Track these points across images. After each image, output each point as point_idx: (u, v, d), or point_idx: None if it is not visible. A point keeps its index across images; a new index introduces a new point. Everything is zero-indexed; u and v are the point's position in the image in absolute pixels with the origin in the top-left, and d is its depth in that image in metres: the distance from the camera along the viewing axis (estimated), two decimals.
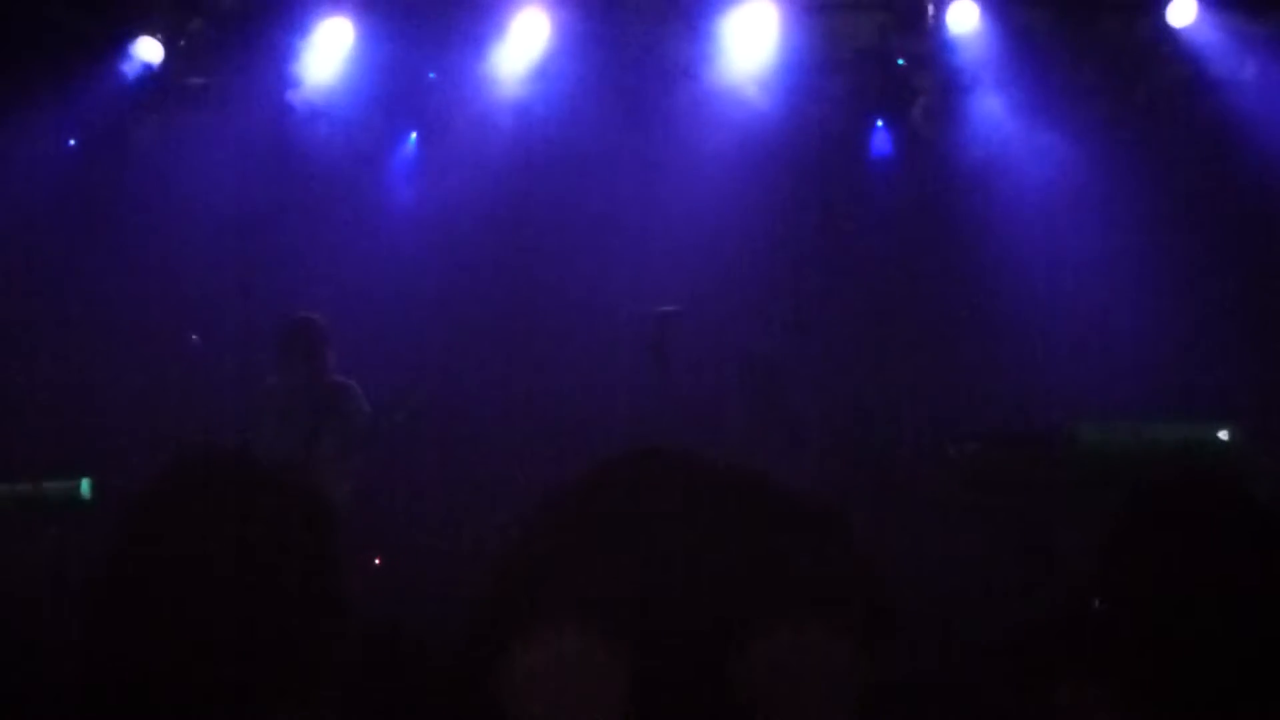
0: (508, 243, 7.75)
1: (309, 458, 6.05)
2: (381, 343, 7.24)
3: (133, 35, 7.36)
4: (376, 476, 6.37)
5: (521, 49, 7.54)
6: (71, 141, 7.66)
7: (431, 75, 7.68)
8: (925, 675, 5.41)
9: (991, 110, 7.41)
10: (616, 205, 7.58)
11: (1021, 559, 5.63)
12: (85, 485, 6.28)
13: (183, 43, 7.45)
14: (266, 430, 6.08)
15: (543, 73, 7.52)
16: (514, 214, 7.70)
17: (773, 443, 6.63)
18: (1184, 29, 7.20)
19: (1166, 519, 2.10)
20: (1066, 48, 7.31)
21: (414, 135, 7.90)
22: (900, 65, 7.50)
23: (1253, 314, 7.32)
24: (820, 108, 7.60)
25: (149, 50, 7.41)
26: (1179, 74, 7.30)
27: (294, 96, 7.61)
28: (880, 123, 7.71)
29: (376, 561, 6.18)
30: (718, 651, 1.45)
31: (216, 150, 7.55)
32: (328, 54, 7.53)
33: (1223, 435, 6.15)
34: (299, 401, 6.15)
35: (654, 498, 1.48)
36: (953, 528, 6.61)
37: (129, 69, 7.43)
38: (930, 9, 7.32)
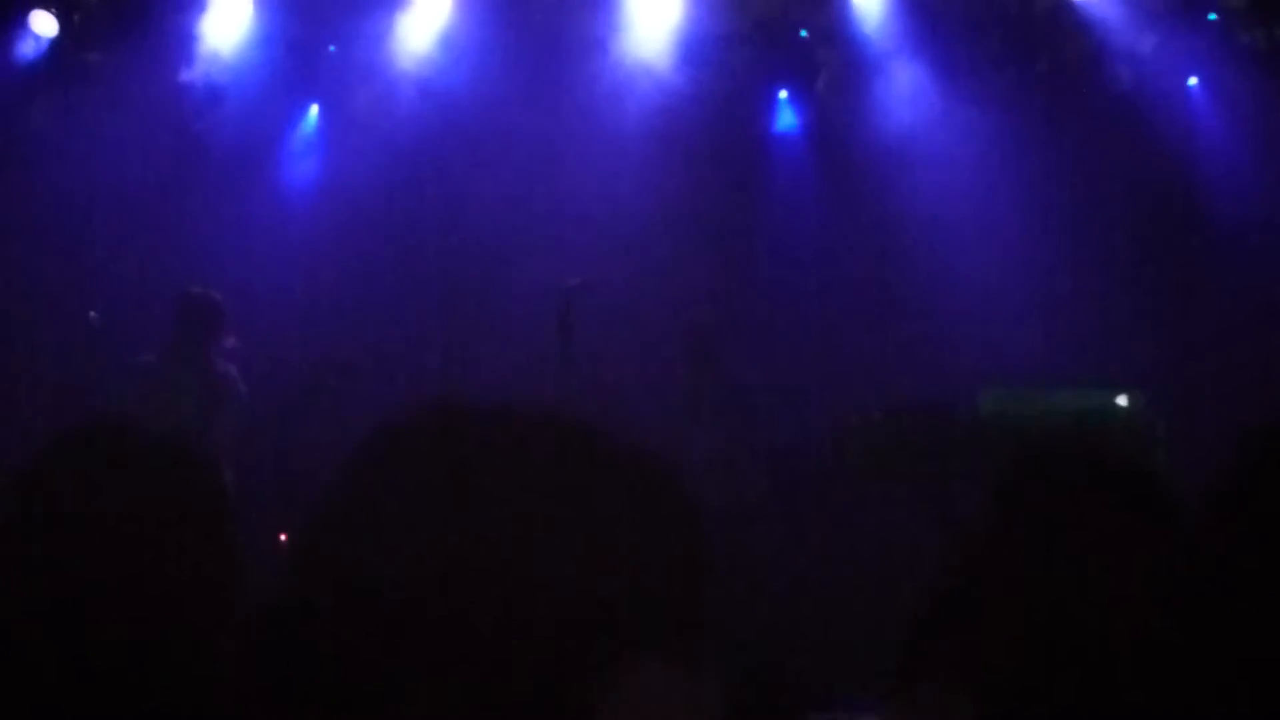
0: (412, 220, 7.68)
1: (200, 443, 5.93)
2: (283, 324, 7.16)
3: (26, 8, 7.23)
4: (277, 467, 6.32)
5: (425, 19, 7.47)
6: None
7: (332, 48, 7.60)
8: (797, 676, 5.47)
9: (896, 83, 7.41)
10: (523, 180, 7.52)
11: (923, 531, 5.63)
12: None
13: (77, 17, 7.31)
14: (142, 410, 5.82)
15: (448, 44, 7.45)
16: (418, 190, 7.63)
17: (718, 415, 6.60)
18: (1083, 1, 7.26)
19: (1037, 498, 2.05)
20: (969, 20, 7.33)
21: (315, 110, 7.79)
22: (803, 38, 7.50)
23: (1158, 281, 7.39)
24: (724, 81, 7.58)
25: (43, 24, 7.28)
26: (1081, 46, 7.34)
27: (192, 73, 7.49)
28: (784, 95, 7.70)
29: (282, 538, 6.11)
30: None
31: (114, 129, 7.42)
32: (226, 28, 7.43)
33: (1121, 401, 6.18)
34: (186, 384, 5.96)
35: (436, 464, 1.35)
36: (858, 503, 6.64)
37: (22, 44, 7.30)
38: None
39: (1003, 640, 1.86)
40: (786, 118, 7.70)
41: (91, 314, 6.62)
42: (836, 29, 7.43)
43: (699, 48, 7.45)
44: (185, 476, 1.79)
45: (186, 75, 7.47)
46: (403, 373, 7.33)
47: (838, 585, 6.45)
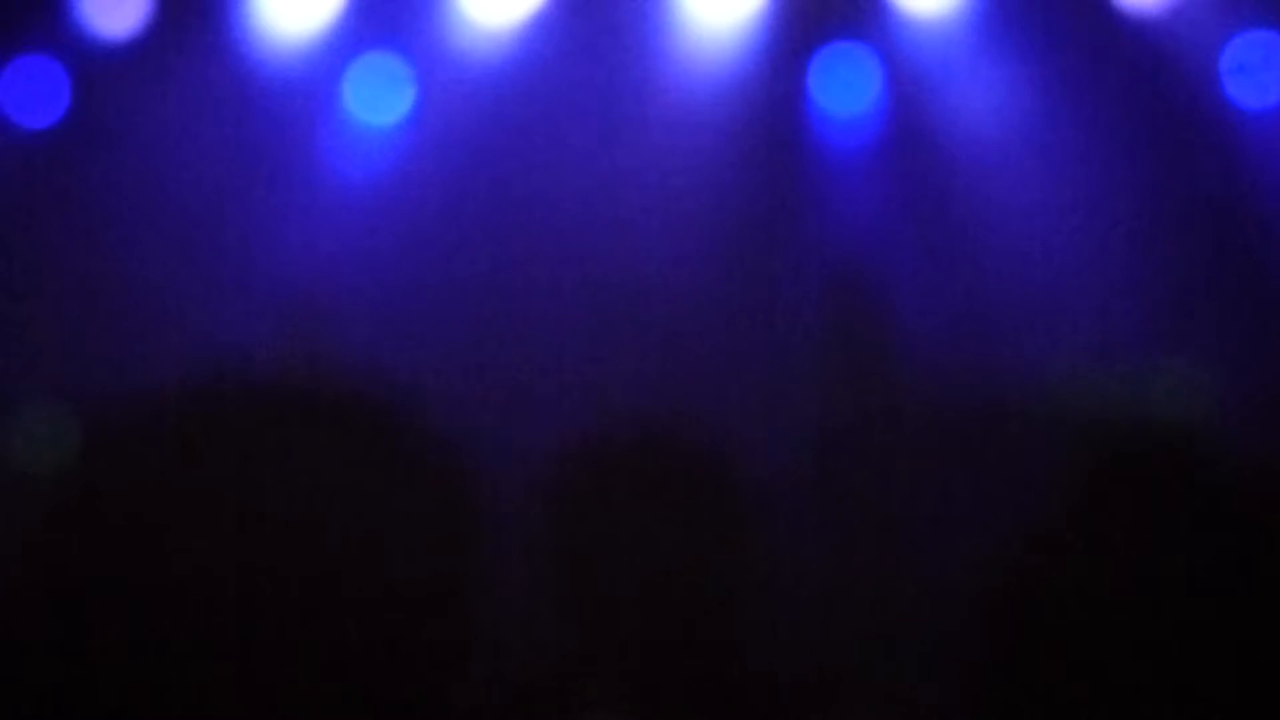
0: (474, 212, 7.63)
1: None
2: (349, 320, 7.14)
3: None
4: None
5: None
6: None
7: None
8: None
9: (965, 86, 7.38)
10: (575, 176, 7.49)
11: (980, 525, 5.54)
12: None
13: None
14: None
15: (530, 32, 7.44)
16: (480, 184, 7.58)
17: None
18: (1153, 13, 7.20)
19: (1114, 497, 2.00)
20: (1041, 25, 7.28)
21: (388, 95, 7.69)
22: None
23: (1224, 278, 7.34)
24: (779, 74, 7.54)
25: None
26: (1153, 58, 7.32)
27: (255, 58, 7.47)
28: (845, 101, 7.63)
29: None
30: None
31: (175, 115, 7.41)
32: (294, 12, 7.35)
33: (1182, 382, 6.12)
34: None
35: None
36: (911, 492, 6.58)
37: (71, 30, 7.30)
38: None
39: (1069, 639, 1.82)
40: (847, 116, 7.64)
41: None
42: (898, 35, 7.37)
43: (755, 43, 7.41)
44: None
45: (249, 61, 7.43)
46: (457, 370, 7.28)
47: (879, 582, 6.36)
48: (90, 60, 7.63)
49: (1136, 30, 7.40)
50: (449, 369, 7.38)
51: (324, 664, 1.17)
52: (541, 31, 7.61)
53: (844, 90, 7.66)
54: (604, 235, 7.59)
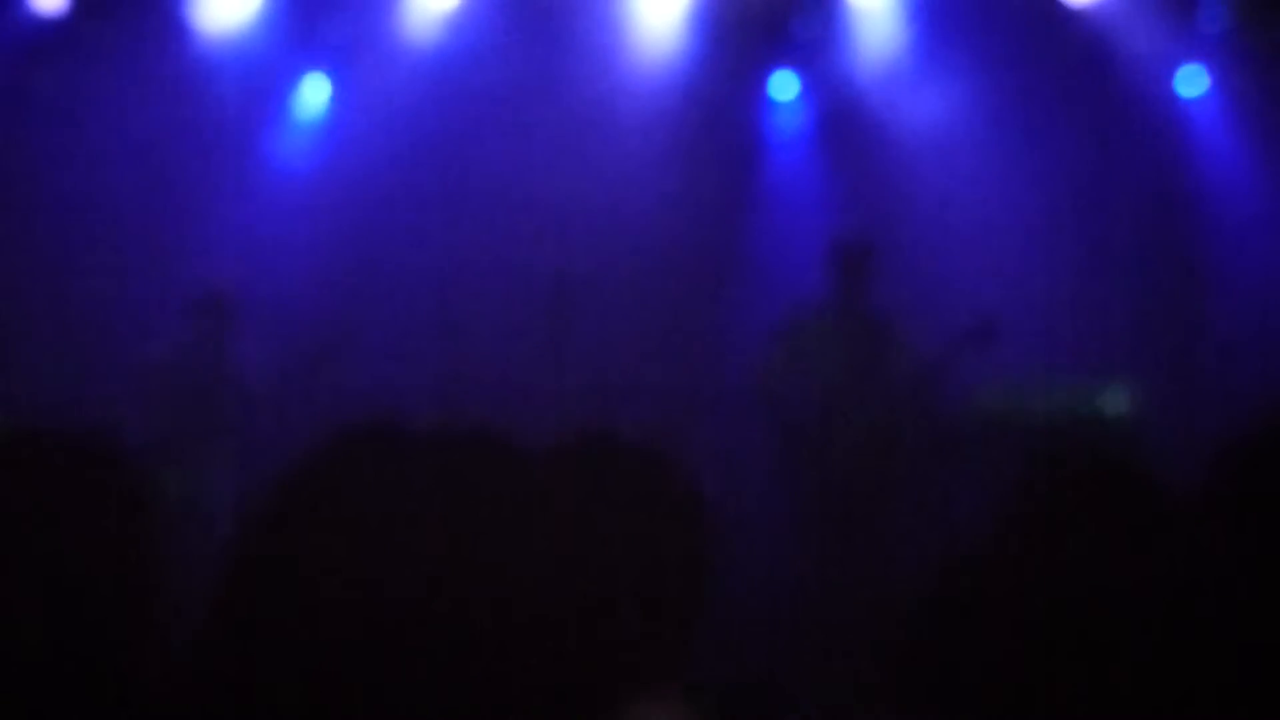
0: (414, 203, 7.55)
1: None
2: (282, 308, 7.06)
3: None
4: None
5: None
6: None
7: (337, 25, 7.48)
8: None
9: (904, 81, 7.37)
10: (521, 166, 7.43)
11: (920, 534, 5.58)
12: None
13: None
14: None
15: (455, 25, 7.37)
16: (420, 173, 7.50)
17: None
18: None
19: (1042, 504, 2.00)
20: (978, 17, 7.29)
21: (320, 87, 7.62)
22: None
23: (1158, 279, 7.37)
24: (726, 73, 7.53)
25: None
26: (1086, 47, 7.34)
27: (197, 41, 7.37)
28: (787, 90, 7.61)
29: None
30: None
31: (120, 104, 7.32)
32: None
33: (1116, 398, 6.15)
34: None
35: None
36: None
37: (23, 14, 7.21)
38: None
39: (1004, 649, 1.82)
40: (788, 111, 7.62)
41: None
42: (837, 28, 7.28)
43: (702, 38, 7.36)
44: (98, 477, 1.72)
45: (191, 44, 7.34)
46: (399, 360, 7.23)
47: (835, 591, 6.35)
48: (23, 37, 7.54)
49: (1081, 25, 7.43)
50: (386, 359, 7.34)
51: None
52: (481, 19, 7.56)
53: (792, 89, 7.66)
54: (545, 229, 7.51)
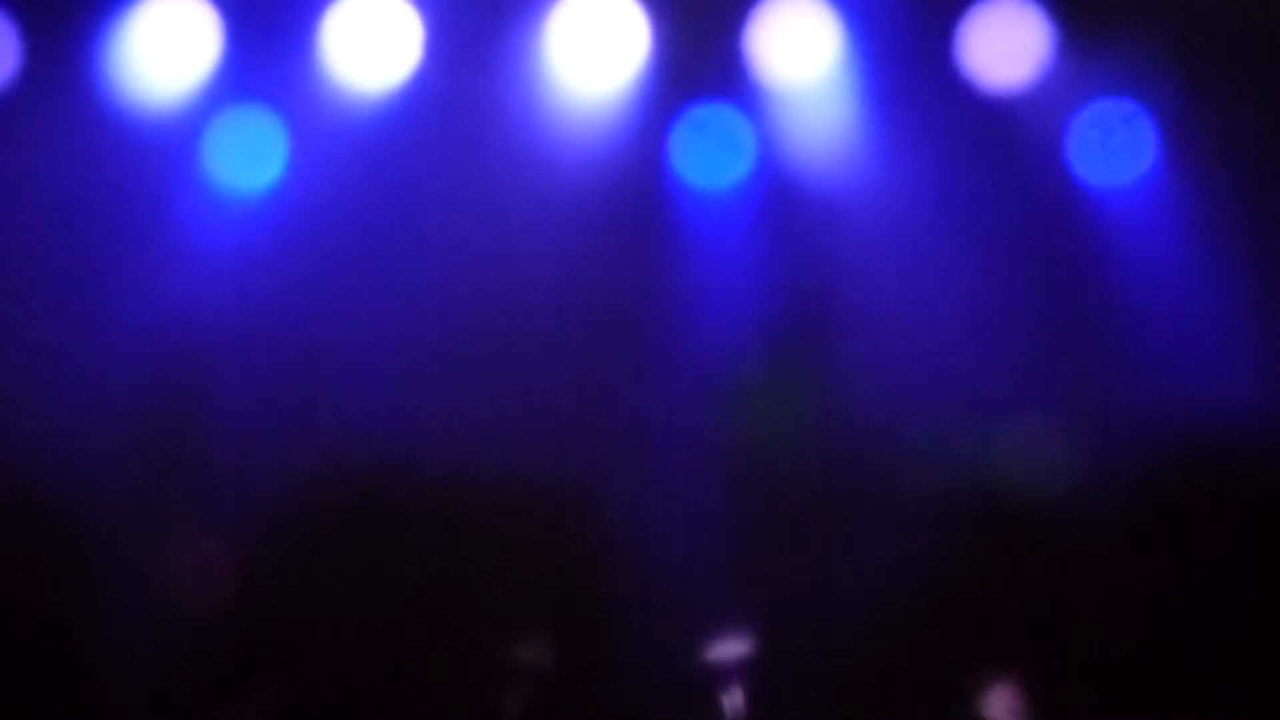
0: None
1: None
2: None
3: None
4: None
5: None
6: None
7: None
8: None
9: (816, 120, 7.49)
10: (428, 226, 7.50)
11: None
12: None
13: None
14: None
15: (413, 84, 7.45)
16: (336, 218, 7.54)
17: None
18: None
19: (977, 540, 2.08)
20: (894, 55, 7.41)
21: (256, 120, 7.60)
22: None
23: (1065, 318, 7.51)
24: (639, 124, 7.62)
25: None
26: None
27: (118, 87, 7.37)
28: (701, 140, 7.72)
29: None
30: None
31: (35, 153, 7.32)
32: (154, 33, 7.23)
33: (1028, 436, 6.29)
34: None
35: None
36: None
37: None
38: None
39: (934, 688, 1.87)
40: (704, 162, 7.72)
41: None
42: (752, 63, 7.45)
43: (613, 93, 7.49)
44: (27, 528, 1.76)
45: (110, 91, 7.34)
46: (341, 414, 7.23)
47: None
48: None
49: (997, 99, 7.59)
50: (323, 431, 7.38)
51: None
52: (412, 97, 7.63)
53: (710, 157, 7.76)
54: (471, 298, 7.59)
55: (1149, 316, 7.47)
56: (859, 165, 7.43)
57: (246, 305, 7.30)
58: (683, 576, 6.50)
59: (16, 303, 7.19)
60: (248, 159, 7.49)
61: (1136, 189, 7.47)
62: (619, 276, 7.49)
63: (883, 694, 1.90)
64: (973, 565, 1.95)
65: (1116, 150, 7.37)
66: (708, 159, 7.58)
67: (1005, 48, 7.31)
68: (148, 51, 7.26)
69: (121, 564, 5.75)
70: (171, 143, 7.38)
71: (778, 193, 7.54)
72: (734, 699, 5.08)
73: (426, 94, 7.47)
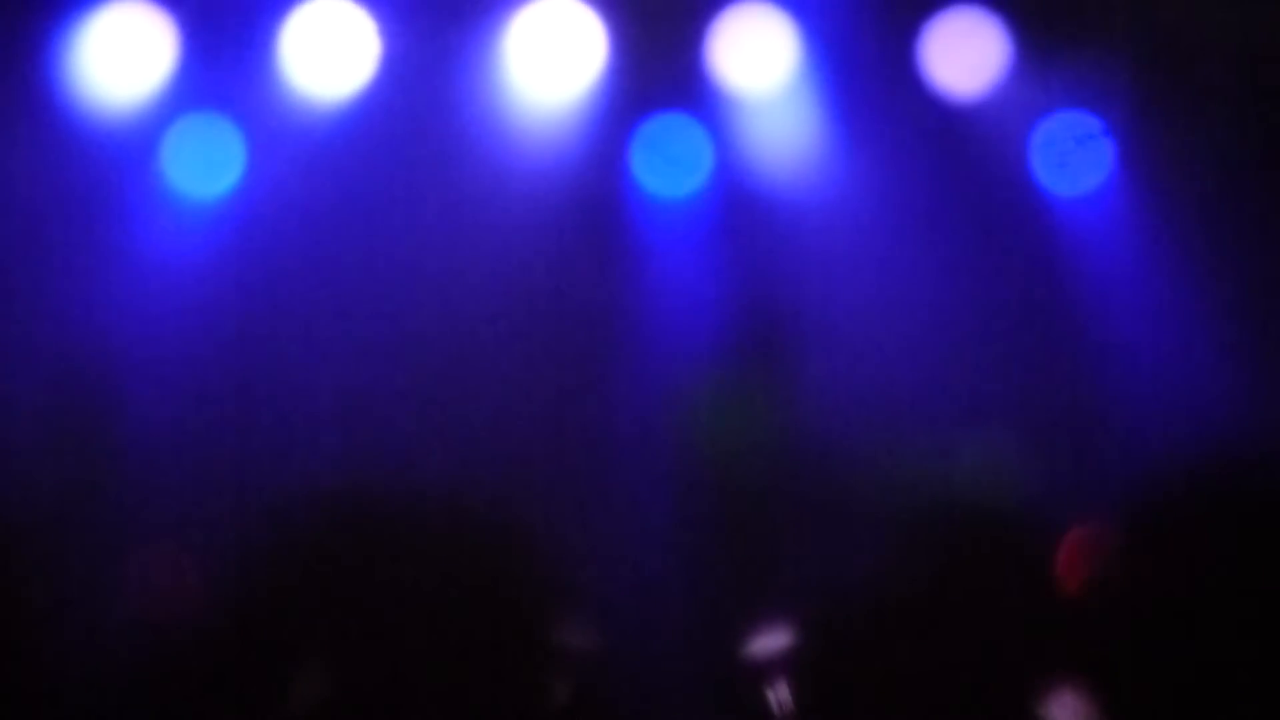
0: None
1: None
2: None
3: None
4: None
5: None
6: None
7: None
8: None
9: (775, 128, 7.49)
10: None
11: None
12: None
13: None
14: None
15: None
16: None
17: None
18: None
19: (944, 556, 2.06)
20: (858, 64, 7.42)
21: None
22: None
23: (1031, 325, 7.53)
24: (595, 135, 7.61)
25: None
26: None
27: (73, 93, 7.30)
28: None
29: None
30: None
31: None
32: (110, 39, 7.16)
33: (990, 448, 6.31)
34: None
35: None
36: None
37: None
38: None
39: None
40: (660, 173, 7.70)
41: None
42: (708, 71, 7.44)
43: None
44: None
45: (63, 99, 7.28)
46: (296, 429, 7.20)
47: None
48: None
49: (956, 110, 7.62)
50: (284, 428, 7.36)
51: None
52: (370, 105, 7.62)
53: (669, 166, 7.77)
54: (429, 307, 7.59)
55: (1109, 324, 7.52)
56: (818, 174, 7.45)
57: (201, 312, 7.28)
58: (639, 586, 6.50)
59: None
60: (204, 165, 7.50)
61: (1095, 199, 7.50)
62: (578, 284, 7.50)
63: (835, 708, 1.89)
64: (934, 578, 1.95)
65: (1075, 161, 7.41)
66: (667, 168, 7.60)
67: (964, 58, 7.32)
68: (104, 57, 7.22)
69: (68, 579, 5.74)
70: (128, 149, 7.37)
71: (737, 202, 7.57)
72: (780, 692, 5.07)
73: (385, 102, 7.49)
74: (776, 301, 7.29)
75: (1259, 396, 7.13)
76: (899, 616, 1.99)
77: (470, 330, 7.23)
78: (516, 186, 7.52)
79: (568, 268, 7.46)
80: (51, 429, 6.60)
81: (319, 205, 7.42)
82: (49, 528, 6.20)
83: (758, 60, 7.35)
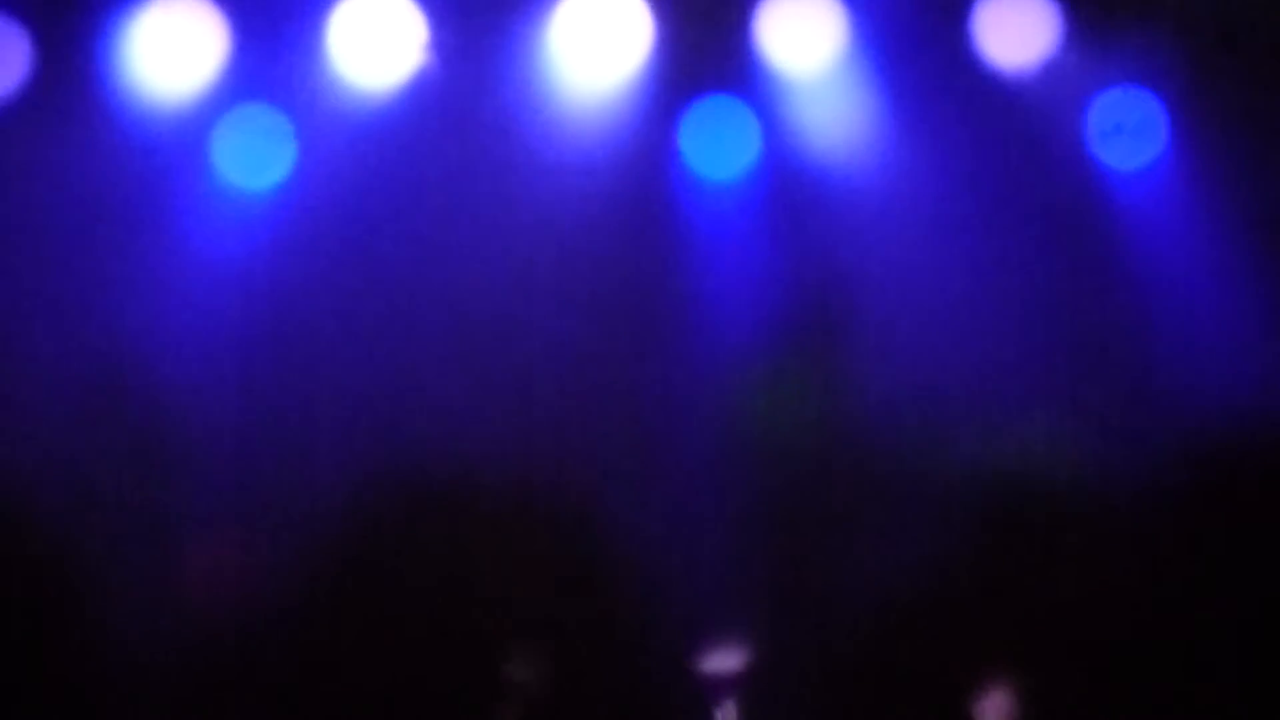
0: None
1: None
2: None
3: None
4: None
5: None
6: None
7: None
8: None
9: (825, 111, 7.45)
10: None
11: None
12: None
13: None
14: None
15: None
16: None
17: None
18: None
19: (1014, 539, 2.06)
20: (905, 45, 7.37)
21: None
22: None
23: (1085, 311, 7.49)
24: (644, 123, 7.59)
25: None
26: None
27: (125, 88, 7.34)
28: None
29: None
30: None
31: (45, 155, 7.31)
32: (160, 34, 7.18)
33: (1049, 433, 6.28)
34: None
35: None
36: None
37: None
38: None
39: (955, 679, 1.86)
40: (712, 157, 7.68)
41: None
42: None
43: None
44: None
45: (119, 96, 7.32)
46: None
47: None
48: None
49: (1007, 87, 7.58)
50: (330, 449, 7.39)
51: None
52: (418, 95, 7.64)
53: (718, 147, 7.75)
54: (478, 295, 7.62)
55: (1165, 303, 7.46)
56: (868, 155, 7.41)
57: (253, 302, 7.32)
58: (690, 573, 6.48)
59: (26, 304, 7.20)
60: (254, 158, 7.54)
61: (1148, 174, 7.44)
62: (627, 271, 7.50)
63: (887, 695, 1.89)
64: (983, 564, 1.94)
65: (1128, 135, 7.35)
66: (715, 151, 7.58)
67: (1014, 33, 7.27)
68: (154, 52, 7.26)
69: (120, 572, 5.76)
70: (178, 143, 7.42)
71: (786, 184, 7.55)
72: (727, 712, 5.06)
73: (432, 92, 7.51)
74: (827, 283, 7.27)
75: None
76: (948, 602, 1.98)
77: (522, 318, 7.24)
78: (566, 172, 7.52)
79: (617, 253, 7.46)
80: (104, 423, 6.66)
81: (369, 195, 7.45)
82: (102, 524, 6.25)
83: (805, 40, 7.32)
